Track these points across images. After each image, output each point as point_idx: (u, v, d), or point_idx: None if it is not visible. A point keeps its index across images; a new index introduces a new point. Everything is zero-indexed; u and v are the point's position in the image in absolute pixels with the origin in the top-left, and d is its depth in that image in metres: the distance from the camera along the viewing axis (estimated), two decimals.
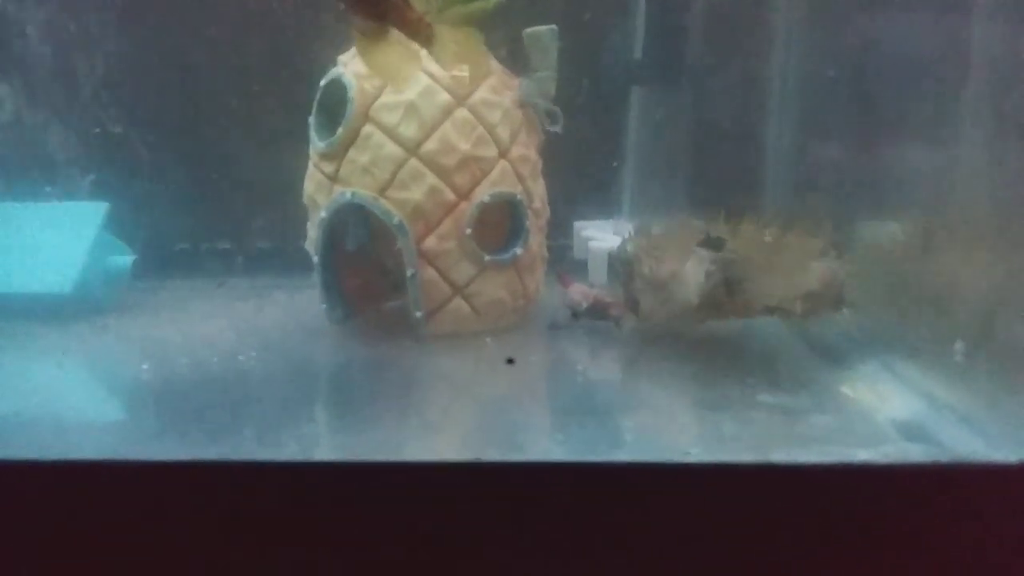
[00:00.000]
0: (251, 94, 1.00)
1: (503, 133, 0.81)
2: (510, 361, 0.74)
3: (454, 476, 0.51)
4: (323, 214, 0.82)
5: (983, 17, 0.65)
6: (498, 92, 0.82)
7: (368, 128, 0.79)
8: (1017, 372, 0.57)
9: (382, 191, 0.79)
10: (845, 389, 0.68)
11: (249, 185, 1.04)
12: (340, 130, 0.79)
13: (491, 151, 0.80)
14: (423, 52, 0.72)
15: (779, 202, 0.94)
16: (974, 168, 0.66)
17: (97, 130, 1.01)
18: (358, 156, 0.79)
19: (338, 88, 0.81)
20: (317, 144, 0.82)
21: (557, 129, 0.86)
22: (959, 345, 0.58)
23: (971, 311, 0.61)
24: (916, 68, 0.75)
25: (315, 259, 0.84)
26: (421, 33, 0.68)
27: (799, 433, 0.59)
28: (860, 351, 0.73)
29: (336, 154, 0.80)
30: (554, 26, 0.82)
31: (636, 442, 0.61)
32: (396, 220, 0.78)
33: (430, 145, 0.78)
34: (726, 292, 0.71)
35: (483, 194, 0.80)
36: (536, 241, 0.86)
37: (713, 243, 0.73)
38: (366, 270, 0.91)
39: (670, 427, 0.64)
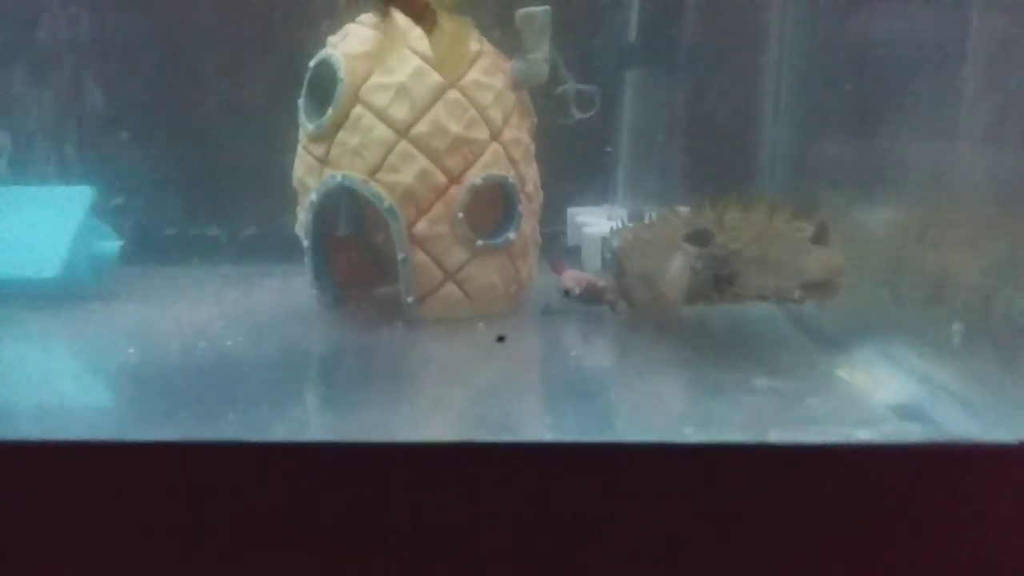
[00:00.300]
0: (239, 77, 0.98)
1: (495, 115, 0.80)
2: (500, 339, 0.73)
3: (445, 456, 0.50)
4: (313, 197, 0.81)
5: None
6: (490, 74, 0.81)
7: (358, 110, 0.78)
8: (1015, 354, 0.56)
9: (372, 174, 0.78)
10: (841, 373, 0.67)
11: (237, 170, 1.03)
12: (330, 111, 0.78)
13: (483, 133, 0.79)
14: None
15: (774, 188, 0.94)
16: (971, 150, 0.66)
17: (83, 114, 0.99)
18: (348, 138, 0.78)
19: (327, 69, 0.79)
20: (306, 126, 0.81)
21: (588, 114, 0.85)
22: (957, 327, 0.57)
23: (968, 294, 0.60)
24: (914, 52, 0.74)
25: (305, 243, 0.83)
26: (426, 19, 0.69)
27: (794, 416, 0.58)
28: (855, 335, 0.73)
29: (326, 136, 0.79)
30: (547, 7, 0.81)
31: (630, 425, 0.61)
32: (387, 204, 0.77)
33: (421, 127, 0.77)
34: (715, 287, 0.70)
35: (475, 177, 0.78)
36: (529, 226, 0.85)
37: (700, 237, 0.71)
38: (356, 255, 0.90)
39: (665, 410, 0.63)
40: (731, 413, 0.58)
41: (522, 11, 0.81)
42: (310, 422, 0.60)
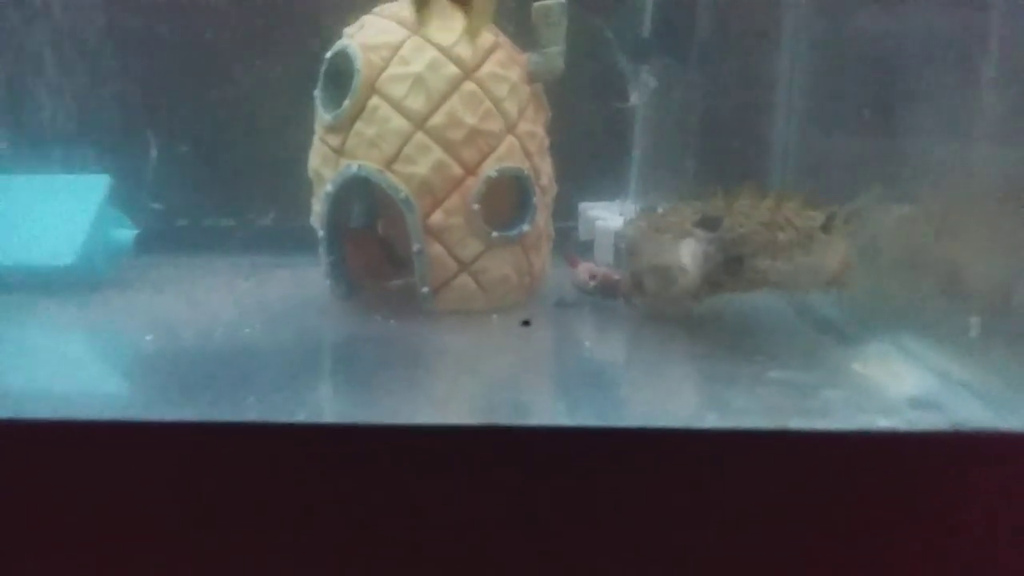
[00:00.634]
0: (255, 67, 0.99)
1: (510, 108, 0.80)
2: (526, 323, 0.74)
3: (463, 439, 0.50)
4: (329, 188, 0.81)
5: None
6: (506, 67, 0.81)
7: (375, 100, 0.78)
8: None
9: (388, 165, 0.78)
10: (856, 366, 0.67)
11: (251, 161, 1.03)
12: (346, 102, 0.78)
13: (498, 125, 0.79)
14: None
15: (788, 183, 0.94)
16: (987, 144, 0.66)
17: (100, 104, 1.00)
18: (365, 129, 0.78)
19: (344, 60, 0.80)
20: (323, 117, 0.81)
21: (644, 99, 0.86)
22: (974, 320, 0.57)
23: (985, 286, 0.61)
24: (927, 46, 0.74)
25: (320, 234, 0.84)
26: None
27: (811, 408, 0.58)
28: (868, 327, 0.73)
29: (342, 127, 0.79)
30: (563, 1, 0.81)
31: (646, 417, 0.61)
32: (403, 194, 0.78)
33: (437, 119, 0.77)
34: (726, 271, 0.71)
35: (490, 169, 0.79)
36: (543, 218, 0.85)
37: (710, 223, 0.72)
38: (371, 247, 0.91)
39: (681, 403, 0.63)
40: (748, 405, 0.59)
41: (538, 4, 0.81)
42: (328, 407, 0.61)
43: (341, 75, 0.80)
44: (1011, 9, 0.64)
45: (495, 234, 0.80)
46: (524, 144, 0.82)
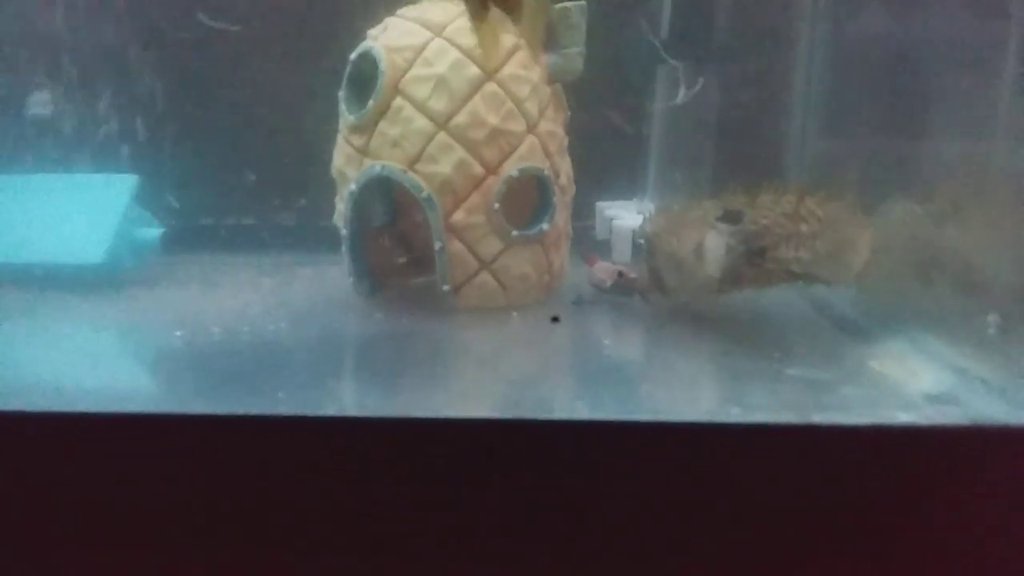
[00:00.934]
0: (280, 68, 1.00)
1: (531, 108, 0.81)
2: (555, 319, 0.76)
3: (486, 432, 0.52)
4: (353, 187, 0.82)
5: None
6: (527, 67, 0.82)
7: (399, 101, 0.80)
8: None
9: (411, 164, 0.79)
10: (873, 363, 0.68)
11: (276, 162, 1.05)
12: (371, 103, 0.80)
13: (519, 125, 0.81)
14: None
15: (806, 180, 0.94)
16: (1004, 142, 0.66)
17: (127, 104, 1.02)
18: (388, 129, 0.80)
19: (368, 61, 0.81)
20: (347, 117, 0.83)
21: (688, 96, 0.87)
22: (992, 317, 0.58)
23: (1002, 282, 0.61)
24: (944, 46, 0.75)
25: (343, 232, 0.85)
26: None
27: (831, 404, 0.59)
28: (886, 324, 0.73)
29: (366, 127, 0.81)
30: (583, 2, 0.82)
31: (665, 411, 0.62)
32: (425, 193, 0.79)
33: (460, 119, 0.79)
34: (748, 264, 0.71)
35: (511, 169, 0.80)
36: (562, 217, 0.86)
37: (732, 216, 0.73)
38: (392, 246, 0.92)
39: (701, 400, 0.64)
40: (767, 401, 0.59)
41: (558, 6, 0.82)
42: (355, 401, 0.62)
43: (365, 76, 0.82)
44: None
45: (515, 233, 0.81)
46: (544, 144, 0.83)
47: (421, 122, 0.79)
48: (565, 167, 0.87)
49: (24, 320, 0.81)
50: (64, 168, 0.99)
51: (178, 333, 0.74)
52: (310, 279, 0.96)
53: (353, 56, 0.83)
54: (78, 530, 0.54)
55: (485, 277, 0.82)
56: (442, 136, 0.79)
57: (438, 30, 0.81)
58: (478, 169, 0.79)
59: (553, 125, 0.85)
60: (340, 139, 0.85)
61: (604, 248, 1.01)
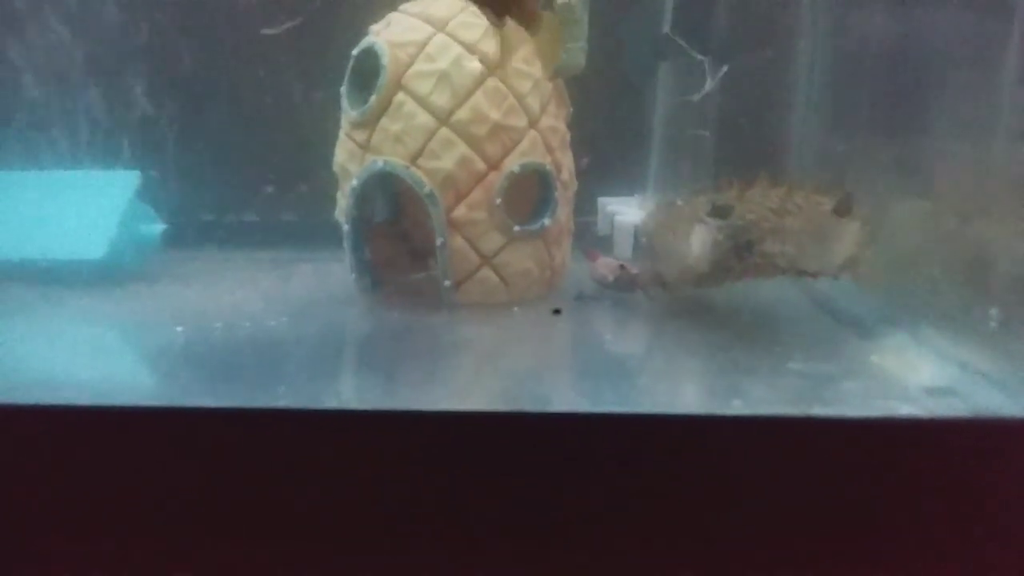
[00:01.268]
0: (281, 65, 1.00)
1: (533, 103, 0.81)
2: (556, 311, 0.76)
3: (487, 425, 0.52)
4: (354, 182, 0.82)
5: None
6: (529, 63, 0.82)
7: (400, 96, 0.80)
8: None
9: (414, 160, 0.79)
10: (874, 358, 0.68)
11: (277, 158, 1.05)
12: (373, 98, 0.80)
13: (521, 121, 0.81)
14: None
15: (806, 175, 0.94)
16: (1005, 139, 0.66)
17: (128, 100, 1.02)
18: (390, 125, 0.80)
19: (371, 57, 0.81)
20: (349, 113, 0.83)
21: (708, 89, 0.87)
22: (993, 311, 0.58)
23: (1005, 274, 0.61)
24: (946, 43, 0.75)
25: (345, 228, 0.85)
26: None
27: (829, 398, 0.59)
28: (886, 319, 0.74)
29: (368, 123, 0.81)
30: None
31: (665, 405, 0.62)
32: (427, 189, 0.79)
33: (462, 114, 0.79)
34: (736, 257, 0.72)
35: (513, 164, 0.80)
36: (564, 213, 0.86)
37: (721, 211, 0.73)
38: (393, 242, 0.92)
39: (702, 394, 0.64)
40: (767, 395, 0.60)
41: (561, 1, 0.82)
42: (356, 395, 0.62)
43: (367, 72, 0.81)
44: None
45: (517, 228, 0.81)
46: (546, 139, 0.83)
47: (423, 118, 0.79)
48: (567, 162, 0.87)
49: (25, 316, 0.81)
50: (65, 164, 0.99)
51: (179, 329, 0.74)
52: (311, 275, 0.96)
53: (355, 51, 0.83)
54: (76, 521, 0.54)
55: (487, 273, 0.82)
56: (444, 132, 0.79)
57: (440, 25, 0.81)
58: (480, 164, 0.79)
59: (555, 120, 0.85)
60: (342, 135, 0.85)
61: (606, 244, 1.01)
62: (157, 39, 1.03)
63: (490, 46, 0.79)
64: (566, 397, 0.62)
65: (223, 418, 0.52)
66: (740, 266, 0.72)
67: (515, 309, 0.82)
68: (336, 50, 0.85)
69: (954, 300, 0.68)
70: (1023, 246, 0.60)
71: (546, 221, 0.83)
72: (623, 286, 0.85)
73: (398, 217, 0.93)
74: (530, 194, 0.84)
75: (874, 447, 0.50)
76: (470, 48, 0.79)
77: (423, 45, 0.80)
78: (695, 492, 0.52)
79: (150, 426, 0.53)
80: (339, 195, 0.86)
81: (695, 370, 0.69)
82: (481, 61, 0.79)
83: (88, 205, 0.92)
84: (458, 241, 0.81)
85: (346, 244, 0.86)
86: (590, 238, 1.01)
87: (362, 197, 0.84)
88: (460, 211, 0.80)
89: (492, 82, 0.79)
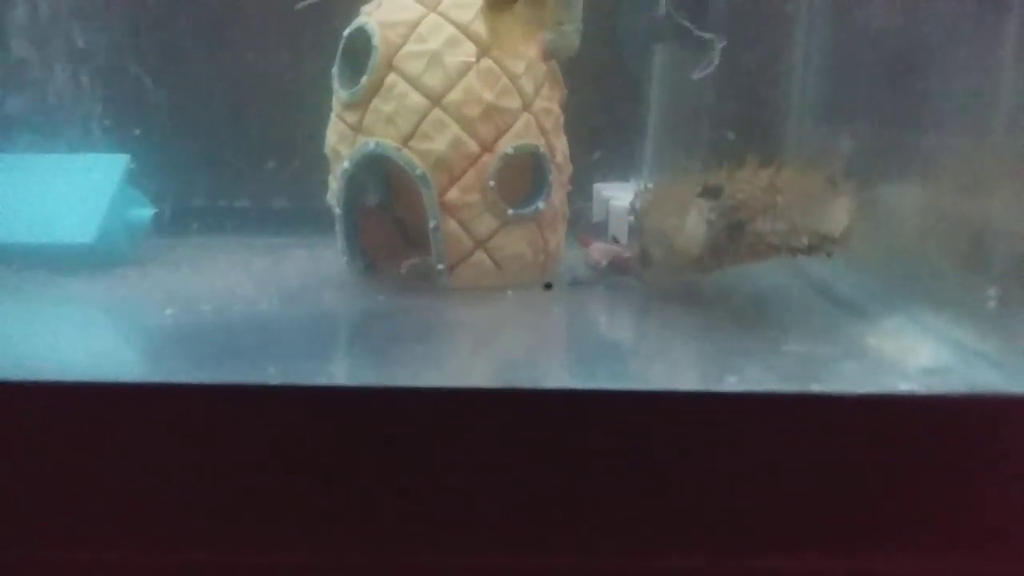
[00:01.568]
0: (272, 46, 0.99)
1: (527, 85, 0.81)
2: (548, 286, 0.76)
3: (479, 402, 0.51)
4: (346, 165, 0.81)
5: None
6: (523, 43, 0.81)
7: (392, 77, 0.79)
8: None
9: (405, 141, 0.78)
10: (871, 339, 0.67)
11: (268, 142, 1.04)
12: (364, 79, 0.79)
13: (515, 102, 0.80)
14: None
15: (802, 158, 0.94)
16: (1004, 127, 0.66)
17: (117, 83, 1.01)
18: (382, 106, 0.79)
19: (362, 37, 0.80)
20: (340, 94, 0.82)
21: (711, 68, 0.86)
22: (992, 291, 0.57)
23: (999, 256, 0.61)
24: (944, 31, 0.74)
25: (337, 211, 0.84)
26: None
27: (824, 379, 0.59)
28: (883, 300, 0.73)
29: (360, 104, 0.80)
30: None
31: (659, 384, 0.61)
32: (419, 171, 0.78)
33: (454, 95, 0.78)
34: (729, 238, 0.71)
35: (506, 146, 0.79)
36: (558, 197, 0.86)
37: (711, 192, 0.72)
38: (386, 225, 0.92)
39: (697, 376, 0.64)
40: (765, 377, 0.59)
41: None
42: (346, 374, 0.61)
43: (358, 53, 0.81)
44: None
45: (511, 211, 0.81)
46: (540, 121, 0.82)
47: (415, 99, 0.78)
48: (561, 145, 0.86)
49: (12, 299, 0.80)
50: (55, 148, 0.98)
51: (168, 311, 0.74)
52: (303, 259, 0.95)
53: (347, 32, 0.82)
54: (64, 499, 0.53)
55: (480, 256, 0.81)
56: (436, 113, 0.78)
57: (432, 5, 0.80)
58: (473, 146, 0.79)
59: (549, 103, 0.84)
60: (333, 116, 0.84)
61: (601, 230, 1.00)
62: (148, 22, 1.02)
63: (483, 27, 0.78)
64: (559, 377, 0.62)
65: (207, 393, 0.51)
66: (733, 247, 0.71)
67: (508, 293, 0.81)
68: (329, 30, 0.84)
69: (952, 281, 0.67)
70: (1021, 225, 0.60)
71: (540, 204, 0.82)
72: (617, 270, 0.85)
73: (391, 201, 0.92)
74: (524, 177, 0.83)
75: (872, 423, 0.49)
76: (463, 28, 0.78)
77: (415, 25, 0.79)
78: (693, 470, 0.51)
79: (130, 401, 0.52)
80: (331, 178, 0.85)
81: (690, 352, 0.69)
82: (474, 42, 0.78)
83: (78, 189, 0.90)
84: (451, 224, 0.80)
85: (338, 228, 0.85)
86: (585, 224, 1.00)
87: (354, 180, 0.83)
88: (453, 194, 0.79)
89: (485, 63, 0.79)
